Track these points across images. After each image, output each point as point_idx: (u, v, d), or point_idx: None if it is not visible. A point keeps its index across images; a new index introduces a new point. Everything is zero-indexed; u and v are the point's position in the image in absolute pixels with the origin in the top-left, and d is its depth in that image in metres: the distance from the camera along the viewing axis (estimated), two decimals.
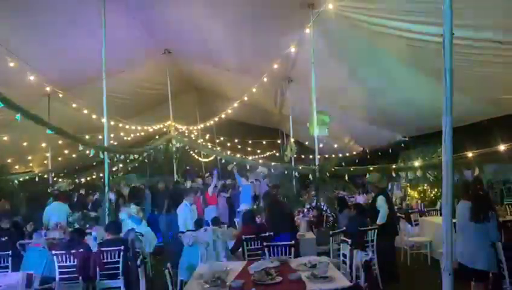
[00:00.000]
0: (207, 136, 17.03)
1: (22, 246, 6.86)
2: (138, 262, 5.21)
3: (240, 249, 6.42)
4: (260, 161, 13.41)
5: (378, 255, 6.69)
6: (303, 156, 15.18)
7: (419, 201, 11.11)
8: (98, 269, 5.99)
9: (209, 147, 15.77)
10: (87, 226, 7.94)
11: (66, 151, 13.22)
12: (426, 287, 6.77)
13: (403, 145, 13.13)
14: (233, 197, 12.10)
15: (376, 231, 6.79)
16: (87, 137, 11.25)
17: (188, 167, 17.67)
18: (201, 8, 8.49)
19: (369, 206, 7.58)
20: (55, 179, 14.57)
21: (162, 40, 11.44)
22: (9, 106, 5.79)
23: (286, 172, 12.30)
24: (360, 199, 11.03)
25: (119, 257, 6.07)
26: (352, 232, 6.50)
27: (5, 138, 10.61)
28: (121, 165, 15.57)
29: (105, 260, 6.05)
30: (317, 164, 9.13)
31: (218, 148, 16.13)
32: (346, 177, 9.88)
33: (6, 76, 7.95)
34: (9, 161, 12.67)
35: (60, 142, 11.93)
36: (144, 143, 13.32)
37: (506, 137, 6.83)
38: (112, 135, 11.84)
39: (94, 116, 10.81)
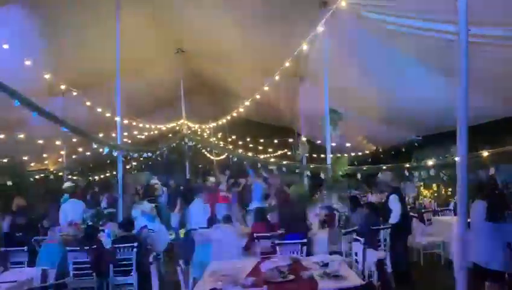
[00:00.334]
0: (219, 135, 17.07)
1: (37, 242, 6.97)
2: (151, 259, 5.26)
3: (252, 247, 6.42)
4: (272, 160, 13.39)
5: (390, 254, 6.65)
6: (315, 155, 15.12)
7: (432, 200, 11.00)
8: (111, 266, 6.06)
9: (221, 145, 15.81)
10: (101, 223, 8.02)
11: (80, 149, 13.36)
12: (439, 287, 6.72)
13: (416, 144, 13.00)
14: (245, 195, 12.11)
15: (389, 230, 6.75)
16: (100, 135, 11.36)
17: (200, 165, 17.75)
18: (214, 7, 8.52)
19: (381, 206, 7.54)
20: (69, 176, 14.76)
21: (175, 39, 11.52)
22: (25, 104, 5.89)
23: (298, 171, 12.26)
24: (373, 198, 10.95)
25: (131, 254, 6.13)
26: (365, 231, 6.47)
27: (21, 136, 10.76)
28: (134, 163, 15.73)
29: (118, 257, 6.11)
30: (329, 162, 9.10)
31: (230, 147, 16.16)
32: (359, 177, 9.80)
33: (22, 75, 8.06)
34: (25, 158, 12.83)
35: (74, 140, 12.07)
36: (157, 141, 13.44)
37: None
38: (125, 134, 11.94)
39: (108, 115, 10.91)
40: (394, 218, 6.83)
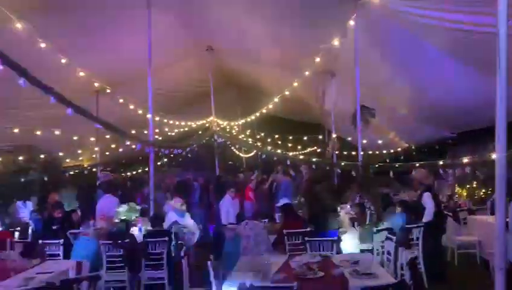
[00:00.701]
0: (248, 132, 17.10)
1: (73, 235, 7.18)
2: (181, 253, 5.32)
3: (281, 244, 6.41)
4: (301, 157, 13.32)
5: (424, 253, 6.49)
6: (345, 152, 14.94)
7: (467, 199, 10.68)
8: (143, 260, 6.17)
9: (250, 142, 15.84)
10: (133, 218, 8.19)
11: (113, 146, 13.67)
12: (475, 287, 6.51)
13: (450, 141, 12.66)
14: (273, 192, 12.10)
15: (422, 229, 6.58)
16: (133, 132, 11.59)
17: (230, 162, 17.86)
18: (242, 3, 8.52)
19: (414, 204, 7.36)
20: (103, 172, 15.13)
21: (204, 37, 11.60)
22: (60, 100, 6.06)
23: (328, 168, 12.15)
24: (405, 196, 10.72)
25: (163, 248, 6.23)
26: (397, 229, 6.33)
27: (57, 132, 11.10)
28: (165, 160, 15.97)
29: (149, 251, 6.22)
30: (360, 160, 8.97)
31: (259, 144, 16.17)
32: (391, 174, 9.63)
33: (58, 73, 8.30)
34: (60, 154, 13.25)
35: (107, 136, 12.36)
36: (187, 138, 13.58)
37: None
38: (156, 130, 12.14)
39: (140, 112, 11.11)
40: (427, 216, 6.66)
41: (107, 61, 9.90)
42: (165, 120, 12.91)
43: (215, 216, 8.76)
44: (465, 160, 7.75)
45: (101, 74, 9.93)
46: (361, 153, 9.02)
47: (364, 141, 10.77)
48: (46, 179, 11.59)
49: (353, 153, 13.38)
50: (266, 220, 7.94)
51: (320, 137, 17.07)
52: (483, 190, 11.07)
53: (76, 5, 7.39)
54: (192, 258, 7.94)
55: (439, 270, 6.68)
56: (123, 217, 7.62)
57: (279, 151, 14.62)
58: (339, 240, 6.16)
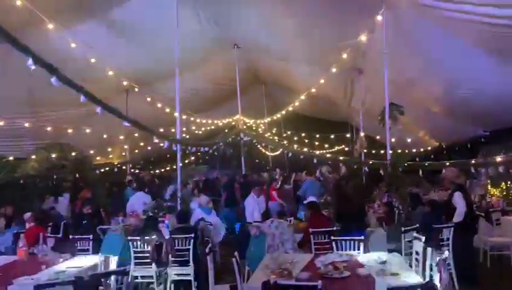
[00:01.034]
0: (274, 130, 17.07)
1: (102, 230, 7.34)
2: (207, 250, 5.35)
3: (307, 242, 6.36)
4: (328, 156, 13.20)
5: (454, 254, 6.29)
6: (374, 151, 14.72)
7: (501, 199, 10.32)
8: (169, 256, 6.24)
9: (276, 140, 15.80)
10: (161, 214, 8.30)
11: (141, 144, 13.90)
12: None
13: (483, 139, 12.26)
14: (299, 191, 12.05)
15: (452, 229, 6.40)
16: (161, 130, 11.76)
17: (256, 160, 17.88)
18: (269, 0, 8.51)
19: (445, 203, 7.16)
20: (132, 170, 15.44)
21: (231, 35, 11.66)
22: (90, 99, 6.20)
23: (355, 166, 12.01)
24: (435, 195, 10.45)
25: (189, 245, 6.28)
26: (426, 229, 6.18)
27: (88, 130, 11.37)
28: (193, 158, 16.16)
29: (176, 247, 6.28)
30: (388, 158, 8.81)
31: (285, 142, 16.11)
32: (420, 173, 9.41)
33: (89, 72, 8.50)
34: (91, 152, 13.57)
35: (136, 135, 12.58)
36: (214, 136, 13.67)
37: None
38: (184, 129, 12.28)
39: (167, 110, 11.25)
40: (458, 216, 6.46)
41: (136, 60, 10.09)
42: (192, 118, 13.03)
43: (241, 214, 8.78)
44: (499, 159, 7.50)
45: (130, 72, 10.12)
46: (390, 151, 8.85)
47: (393, 140, 10.56)
48: (77, 176, 11.88)
49: (381, 151, 13.16)
50: (291, 218, 7.90)
51: (348, 135, 16.90)
52: None
53: (106, 6, 7.53)
54: (218, 255, 8.01)
55: (470, 272, 6.47)
56: (150, 214, 7.72)
57: (305, 149, 14.51)
58: (366, 239, 6.06)
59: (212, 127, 14.90)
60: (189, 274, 6.29)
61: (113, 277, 4.73)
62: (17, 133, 10.39)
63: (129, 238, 6.35)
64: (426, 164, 9.46)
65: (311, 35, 9.77)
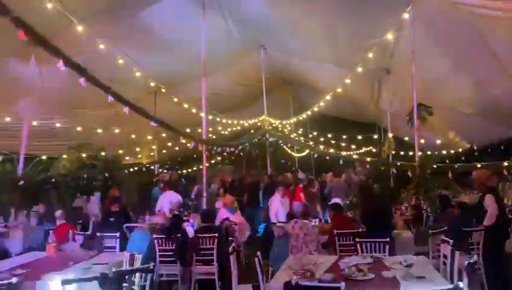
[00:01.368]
0: (300, 131, 16.97)
1: (128, 228, 7.47)
2: (230, 249, 5.36)
3: (331, 244, 6.30)
4: (354, 157, 13.03)
5: (484, 259, 6.09)
6: (402, 153, 14.44)
7: None
8: (194, 255, 6.29)
9: (302, 141, 15.70)
10: (186, 213, 8.39)
11: (169, 144, 14.08)
12: None
13: None
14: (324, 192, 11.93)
15: (483, 232, 6.19)
16: (187, 130, 11.88)
17: (283, 161, 17.81)
18: (294, 1, 8.47)
19: (475, 206, 6.94)
20: (160, 170, 15.66)
21: (257, 36, 11.68)
22: (118, 99, 6.33)
23: (383, 168, 11.82)
24: (466, 198, 10.17)
25: (213, 244, 6.31)
26: (455, 232, 6.01)
27: (117, 131, 11.61)
28: (219, 158, 16.25)
29: (200, 247, 6.33)
30: (416, 160, 8.63)
31: (311, 143, 15.98)
32: (450, 175, 9.17)
33: (117, 74, 8.67)
34: (120, 152, 13.84)
35: (163, 135, 12.76)
36: (240, 137, 13.71)
37: None
38: (210, 129, 12.37)
39: (193, 111, 11.36)
40: (489, 220, 6.24)
41: (163, 62, 10.23)
42: (218, 119, 13.12)
43: (265, 215, 8.77)
44: None
45: (157, 74, 10.27)
46: (419, 153, 8.67)
47: (422, 141, 10.34)
48: (106, 175, 12.13)
49: (410, 153, 12.91)
50: (316, 220, 7.84)
51: (376, 136, 16.63)
52: None
53: (134, 9, 7.67)
54: (243, 255, 8.02)
55: (502, 277, 6.25)
56: (176, 213, 7.81)
57: (332, 150, 14.36)
58: (392, 241, 5.94)
59: (238, 128, 14.95)
60: (213, 273, 6.32)
61: (137, 274, 4.81)
62: (49, 133, 10.71)
63: (154, 236, 6.44)
64: (456, 166, 9.20)
65: (338, 34, 9.68)
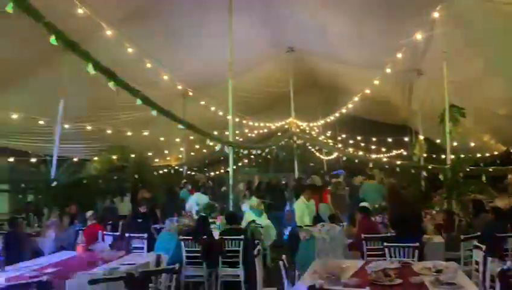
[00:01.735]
0: (328, 133, 16.80)
1: (156, 230, 7.56)
2: (255, 252, 5.34)
3: (359, 248, 6.19)
4: (384, 160, 12.80)
5: None
6: (434, 156, 14.07)
7: None
8: (219, 257, 6.31)
9: (330, 144, 15.54)
10: (212, 215, 8.43)
11: (197, 146, 14.22)
12: None
13: None
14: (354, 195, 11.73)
15: None
16: (215, 133, 11.96)
17: (312, 164, 17.68)
18: (322, 1, 8.40)
19: (510, 211, 6.69)
20: (188, 172, 15.83)
21: (285, 38, 11.64)
22: (146, 102, 6.43)
23: (413, 171, 11.55)
24: (500, 203, 9.78)
25: (239, 247, 6.31)
26: (489, 238, 5.79)
27: (146, 133, 11.81)
28: (246, 160, 16.28)
29: (226, 249, 6.34)
30: (448, 163, 8.39)
31: (340, 146, 15.80)
32: (484, 179, 8.86)
33: (145, 77, 8.82)
34: (149, 154, 14.08)
35: (191, 137, 12.89)
36: (267, 139, 13.70)
37: None
38: (237, 132, 12.41)
39: (220, 113, 11.43)
40: None
41: (191, 65, 10.35)
42: (244, 121, 13.15)
43: (289, 218, 8.72)
44: None
45: (185, 77, 10.39)
46: (451, 156, 8.42)
47: (455, 144, 10.05)
48: (136, 177, 12.35)
49: (442, 156, 12.57)
50: (344, 223, 7.72)
51: (406, 139, 16.28)
52: None
53: (160, 11, 7.79)
54: (269, 258, 7.99)
55: None
56: (203, 214, 7.85)
57: (361, 153, 14.15)
58: (421, 246, 5.77)
59: (265, 130, 14.94)
60: (239, 276, 6.32)
61: (163, 275, 4.86)
62: (81, 136, 11.01)
63: (181, 237, 6.50)
64: (490, 169, 8.88)
65: (367, 35, 9.53)
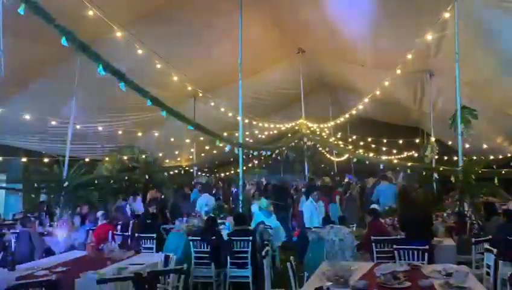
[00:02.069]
0: (339, 135, 16.72)
1: (165, 230, 7.59)
2: (263, 253, 5.33)
3: (368, 250, 6.14)
4: (395, 161, 12.67)
5: None
6: (446, 157, 13.91)
7: None
8: (228, 257, 6.31)
9: (341, 145, 15.45)
10: (221, 216, 8.44)
11: (207, 148, 14.26)
12: None
13: None
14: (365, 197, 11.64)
15: None
16: (225, 134, 11.98)
17: (322, 165, 17.60)
18: (332, 2, 8.37)
19: None
20: (198, 173, 15.89)
21: (295, 39, 11.63)
22: (155, 103, 6.47)
23: (425, 173, 11.40)
24: None
25: (247, 247, 6.31)
26: (501, 241, 5.70)
27: (156, 134, 11.88)
28: (256, 162, 16.28)
29: (234, 249, 6.34)
30: (460, 165, 8.28)
31: (351, 147, 15.69)
32: (496, 181, 8.72)
33: (156, 79, 8.88)
34: (160, 155, 14.16)
35: (201, 138, 12.93)
36: (277, 140, 13.68)
37: None
38: (247, 133, 12.42)
39: (230, 114, 11.44)
40: None
41: (202, 66, 10.38)
42: (254, 122, 13.15)
43: (300, 219, 8.69)
44: None
45: (195, 78, 10.42)
46: (464, 158, 8.31)
47: (467, 146, 9.91)
48: (147, 177, 12.44)
49: (454, 158, 12.41)
50: (354, 225, 7.67)
51: (418, 141, 16.13)
52: None
53: (170, 14, 7.83)
54: (278, 259, 7.97)
55: None
56: (212, 215, 7.87)
57: (372, 155, 14.02)
58: (432, 249, 5.71)
59: (275, 132, 14.92)
60: (247, 276, 6.32)
61: (172, 275, 4.88)
62: (92, 137, 11.11)
63: (190, 238, 6.52)
64: (503, 172, 8.74)
65: (378, 36, 9.46)
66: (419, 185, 11.08)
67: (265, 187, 10.98)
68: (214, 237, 6.48)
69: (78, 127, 9.69)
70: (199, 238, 6.52)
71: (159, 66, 8.14)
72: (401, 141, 16.29)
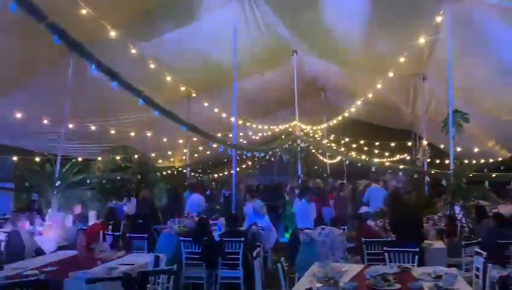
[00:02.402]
0: (332, 137, 16.76)
1: (156, 230, 7.57)
2: (254, 254, 5.33)
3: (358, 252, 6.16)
4: (387, 164, 12.74)
5: None
6: (438, 161, 14.00)
7: None
8: (219, 258, 6.31)
9: (334, 148, 15.50)
10: (213, 217, 8.42)
11: (200, 148, 14.24)
12: None
13: None
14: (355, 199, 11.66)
15: None
16: (219, 135, 11.97)
17: (316, 167, 17.63)
18: (325, 5, 8.40)
19: None
20: (192, 173, 15.85)
21: (290, 42, 11.63)
22: (148, 103, 6.44)
23: (416, 177, 11.46)
24: (504, 209, 9.70)
25: (239, 249, 6.31)
26: (490, 244, 5.75)
27: (149, 134, 11.84)
28: (250, 163, 16.28)
29: (226, 250, 6.34)
30: (452, 168, 8.34)
31: (343, 149, 15.75)
32: (486, 185, 8.80)
33: (149, 79, 8.85)
34: (153, 155, 14.11)
35: (195, 139, 12.91)
36: (271, 142, 13.67)
37: None
38: (241, 134, 12.41)
39: (224, 115, 11.43)
40: None
41: (195, 67, 10.36)
42: (248, 124, 13.16)
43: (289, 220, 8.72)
44: None
45: (190, 79, 10.41)
46: (455, 161, 8.36)
47: (459, 149, 9.98)
48: (139, 177, 12.39)
49: (446, 161, 12.49)
50: (345, 227, 7.70)
51: (410, 144, 16.22)
52: None
53: (164, 14, 7.81)
54: (270, 260, 7.97)
55: None
56: (203, 216, 7.86)
57: (364, 157, 14.10)
58: (422, 252, 5.74)
59: (269, 133, 14.94)
60: (239, 277, 6.32)
61: (162, 276, 4.85)
62: (85, 136, 11.05)
63: (181, 239, 6.50)
64: (493, 175, 8.81)
65: (372, 39, 9.51)
66: (412, 188, 11.13)
67: (257, 187, 10.98)
68: (205, 238, 6.46)
69: (70, 126, 9.63)
70: (191, 239, 6.50)
71: (152, 65, 8.11)
72: (393, 144, 16.38)
